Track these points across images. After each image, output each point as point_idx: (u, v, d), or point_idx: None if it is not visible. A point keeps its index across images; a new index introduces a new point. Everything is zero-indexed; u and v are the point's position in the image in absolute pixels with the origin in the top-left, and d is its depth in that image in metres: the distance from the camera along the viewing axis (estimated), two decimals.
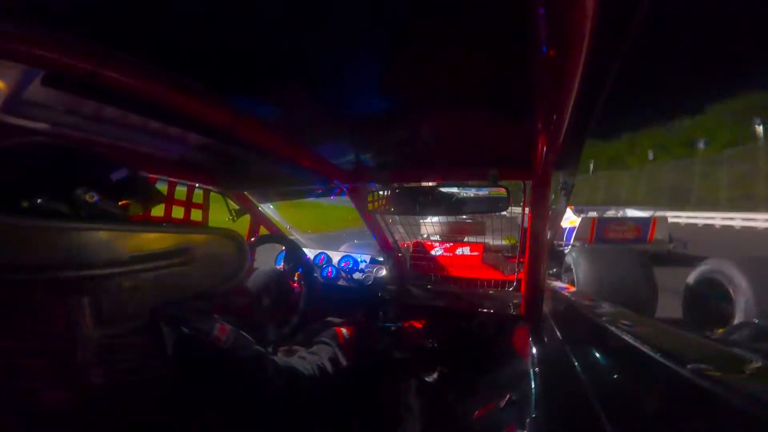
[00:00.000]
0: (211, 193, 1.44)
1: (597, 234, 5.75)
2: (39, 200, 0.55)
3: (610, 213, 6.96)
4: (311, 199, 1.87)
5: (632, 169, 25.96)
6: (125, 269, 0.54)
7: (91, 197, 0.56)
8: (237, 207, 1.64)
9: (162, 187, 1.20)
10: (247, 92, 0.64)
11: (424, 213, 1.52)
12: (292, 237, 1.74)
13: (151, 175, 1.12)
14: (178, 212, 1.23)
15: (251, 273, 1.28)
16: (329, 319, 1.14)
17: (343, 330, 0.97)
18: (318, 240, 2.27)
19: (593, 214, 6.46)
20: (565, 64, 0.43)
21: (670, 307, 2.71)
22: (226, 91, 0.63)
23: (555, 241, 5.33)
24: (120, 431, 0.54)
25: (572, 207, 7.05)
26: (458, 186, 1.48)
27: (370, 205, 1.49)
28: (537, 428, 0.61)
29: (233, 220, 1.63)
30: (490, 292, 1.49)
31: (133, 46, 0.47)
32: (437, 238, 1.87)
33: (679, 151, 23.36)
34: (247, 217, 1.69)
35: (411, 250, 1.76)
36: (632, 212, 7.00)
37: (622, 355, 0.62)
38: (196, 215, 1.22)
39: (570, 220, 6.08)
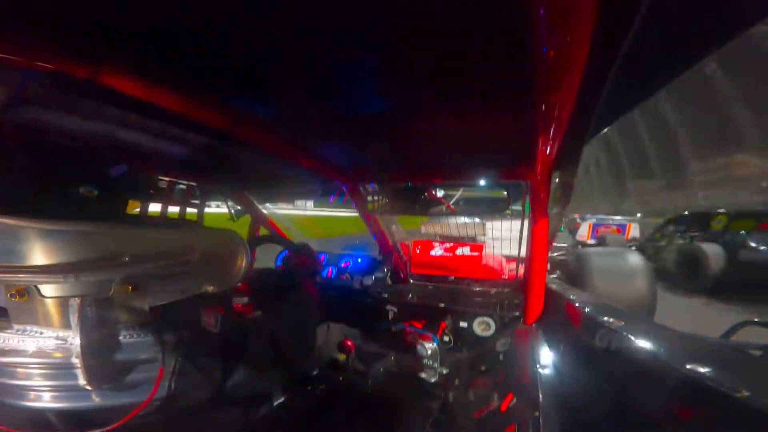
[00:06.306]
0: (211, 193, 1.44)
1: (592, 233, 9.32)
2: (39, 200, 0.55)
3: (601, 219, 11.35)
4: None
5: None
6: (125, 269, 0.54)
7: (91, 193, 0.56)
8: (237, 207, 1.63)
9: (162, 187, 1.19)
10: (247, 92, 0.64)
11: (424, 213, 1.52)
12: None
13: (150, 175, 1.12)
14: (174, 211, 1.22)
15: (252, 273, 1.28)
16: (330, 322, 1.14)
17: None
18: (331, 246, 2.24)
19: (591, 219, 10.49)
20: (565, 64, 0.43)
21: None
22: (226, 92, 0.63)
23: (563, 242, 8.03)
24: (121, 428, 0.54)
25: (578, 215, 12.62)
26: (458, 186, 1.48)
27: (369, 205, 1.49)
28: (538, 429, 0.61)
29: (233, 220, 1.63)
30: (491, 292, 1.49)
31: (134, 47, 0.47)
32: (437, 238, 1.87)
33: None
34: (247, 218, 1.69)
35: (411, 250, 1.76)
36: (614, 218, 11.68)
37: (622, 354, 0.62)
38: (191, 215, 1.22)
39: (575, 223, 10.52)
